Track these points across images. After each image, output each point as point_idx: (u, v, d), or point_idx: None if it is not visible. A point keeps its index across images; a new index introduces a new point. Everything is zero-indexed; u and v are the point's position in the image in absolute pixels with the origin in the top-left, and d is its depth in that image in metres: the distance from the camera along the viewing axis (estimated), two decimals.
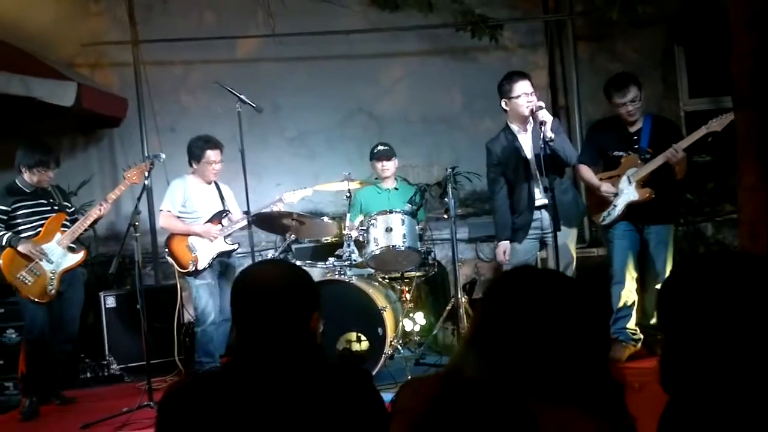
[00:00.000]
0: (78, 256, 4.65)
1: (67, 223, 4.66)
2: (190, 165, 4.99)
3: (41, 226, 4.55)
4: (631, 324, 4.42)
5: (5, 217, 4.47)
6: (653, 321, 4.45)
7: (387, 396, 1.56)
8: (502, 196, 4.33)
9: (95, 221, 4.70)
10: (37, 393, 4.46)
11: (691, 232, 5.87)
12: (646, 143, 4.34)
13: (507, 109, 4.24)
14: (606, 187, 4.40)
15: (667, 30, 6.29)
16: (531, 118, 4.13)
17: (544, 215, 4.21)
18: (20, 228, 4.50)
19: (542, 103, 4.08)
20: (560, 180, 4.23)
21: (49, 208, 4.62)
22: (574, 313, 1.31)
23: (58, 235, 4.58)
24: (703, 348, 1.20)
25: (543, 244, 4.33)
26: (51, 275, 4.50)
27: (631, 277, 4.39)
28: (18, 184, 4.56)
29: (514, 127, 4.28)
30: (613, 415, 1.28)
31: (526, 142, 4.24)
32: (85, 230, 4.71)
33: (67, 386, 4.86)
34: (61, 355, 4.68)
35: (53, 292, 4.50)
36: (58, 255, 4.55)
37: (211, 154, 4.90)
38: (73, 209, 4.89)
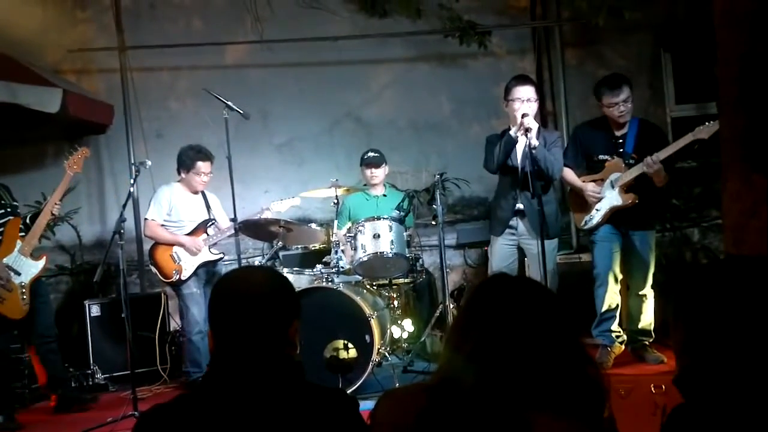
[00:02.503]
0: (41, 262, 4.49)
1: (22, 227, 4.47)
2: (179, 173, 4.95)
3: (1, 233, 4.38)
4: (614, 326, 4.43)
5: None
6: (641, 326, 4.45)
7: (372, 404, 1.54)
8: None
9: (50, 223, 4.56)
10: (4, 409, 4.31)
11: (677, 237, 5.88)
12: (632, 148, 4.33)
13: (507, 111, 4.30)
14: (592, 187, 4.39)
15: (654, 36, 6.33)
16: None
17: (522, 222, 4.30)
18: None
19: (528, 111, 4.10)
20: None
21: (2, 211, 4.45)
22: (544, 317, 1.32)
23: (19, 243, 4.40)
24: (723, 352, 1.20)
25: (522, 252, 4.37)
26: (22, 289, 4.35)
27: (614, 279, 4.39)
28: None
29: (513, 130, 4.29)
30: (592, 421, 1.27)
31: (519, 147, 4.26)
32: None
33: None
34: (49, 353, 4.56)
35: (26, 306, 4.35)
36: (24, 265, 4.40)
37: (202, 166, 4.87)
38: (18, 208, 4.66)
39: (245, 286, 1.57)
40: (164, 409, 1.49)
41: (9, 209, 4.48)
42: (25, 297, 4.37)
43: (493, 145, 4.34)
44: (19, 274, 4.37)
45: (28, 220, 4.53)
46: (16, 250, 4.40)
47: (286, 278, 1.67)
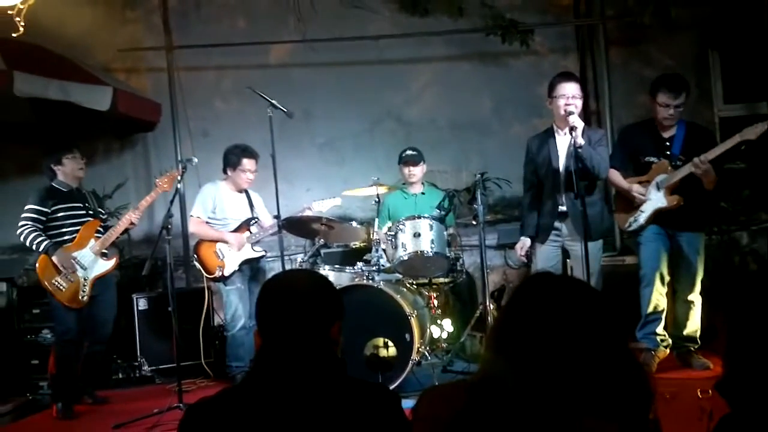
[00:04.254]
0: (110, 263, 4.72)
1: (101, 230, 4.73)
2: (225, 172, 5.06)
3: (77, 231, 4.62)
4: (660, 329, 4.36)
5: (44, 218, 4.53)
6: (686, 332, 4.37)
7: (411, 403, 1.56)
8: (530, 195, 4.41)
9: (126, 229, 4.78)
10: (65, 397, 4.51)
11: (725, 240, 5.74)
12: (679, 150, 4.27)
13: (551, 108, 4.24)
14: (637, 188, 4.34)
15: (701, 34, 6.18)
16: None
17: (566, 223, 4.22)
18: (58, 231, 4.57)
19: (573, 109, 4.05)
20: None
21: (84, 212, 4.69)
22: (590, 318, 1.30)
23: (92, 242, 4.65)
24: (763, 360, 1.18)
25: (567, 253, 4.31)
26: (84, 281, 4.57)
27: (661, 280, 4.32)
28: (54, 185, 4.65)
29: (556, 128, 4.25)
30: (637, 423, 1.26)
31: (562, 146, 4.21)
32: (118, 237, 4.80)
33: (99, 386, 4.95)
34: (94, 357, 4.77)
35: (85, 298, 4.57)
36: (91, 261, 4.62)
37: (247, 163, 4.97)
38: (105, 215, 4.97)
39: (290, 286, 1.65)
40: (211, 402, 1.55)
41: (91, 212, 4.74)
42: (85, 289, 4.58)
43: (530, 154, 4.35)
44: (85, 268, 4.59)
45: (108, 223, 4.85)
46: (87, 247, 4.63)
47: (329, 281, 1.74)
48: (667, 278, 4.35)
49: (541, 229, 4.30)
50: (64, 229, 4.60)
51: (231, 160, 5.00)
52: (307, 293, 1.61)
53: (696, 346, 4.38)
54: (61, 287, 4.51)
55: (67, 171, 4.65)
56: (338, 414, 1.47)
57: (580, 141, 3.95)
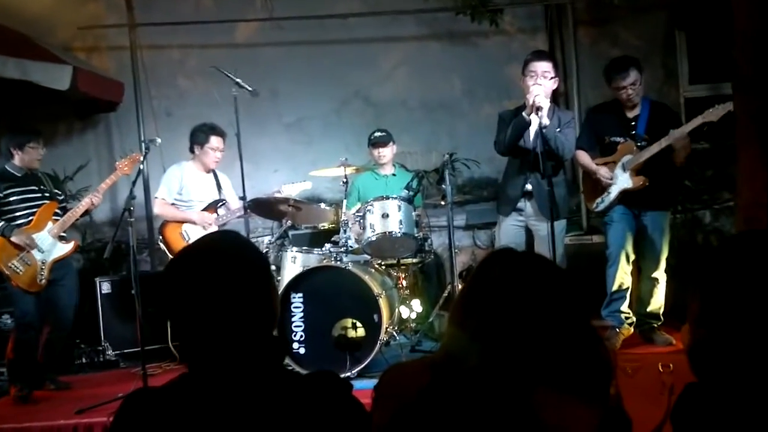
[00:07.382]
0: (69, 246, 4.61)
1: (59, 212, 4.61)
2: (192, 151, 4.96)
3: (33, 214, 4.50)
4: (624, 307, 4.42)
5: None
6: (650, 309, 4.45)
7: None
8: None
9: (87, 211, 4.68)
10: (23, 381, 4.42)
11: (689, 219, 5.84)
12: (643, 129, 4.31)
13: (523, 87, 4.25)
14: (604, 171, 4.38)
15: (668, 15, 6.23)
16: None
17: (530, 203, 4.26)
18: (12, 215, 4.45)
19: (538, 91, 4.04)
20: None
21: (40, 195, 4.57)
22: (552, 292, 1.29)
23: (50, 224, 4.53)
24: (740, 325, 1.19)
25: (530, 234, 4.33)
26: (41, 265, 4.46)
27: (627, 259, 4.38)
28: (8, 169, 4.51)
29: (525, 111, 4.24)
30: (598, 398, 1.26)
31: (532, 128, 4.21)
32: (77, 219, 4.69)
33: (62, 371, 4.86)
34: (56, 343, 4.66)
35: (43, 281, 4.47)
36: (49, 244, 4.51)
37: (215, 141, 4.90)
38: (63, 197, 4.83)
39: (205, 257, 1.39)
40: (150, 393, 1.41)
41: (47, 194, 4.61)
42: (43, 273, 4.48)
43: (505, 123, 4.30)
44: (42, 251, 4.47)
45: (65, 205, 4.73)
46: (45, 230, 4.51)
47: (241, 238, 1.47)
48: (632, 257, 4.41)
49: (508, 200, 4.34)
50: (18, 213, 4.47)
51: (198, 138, 4.92)
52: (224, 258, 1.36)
53: (659, 323, 4.46)
54: (18, 270, 4.39)
55: (26, 159, 4.52)
56: (282, 406, 1.33)
57: (545, 121, 3.99)
